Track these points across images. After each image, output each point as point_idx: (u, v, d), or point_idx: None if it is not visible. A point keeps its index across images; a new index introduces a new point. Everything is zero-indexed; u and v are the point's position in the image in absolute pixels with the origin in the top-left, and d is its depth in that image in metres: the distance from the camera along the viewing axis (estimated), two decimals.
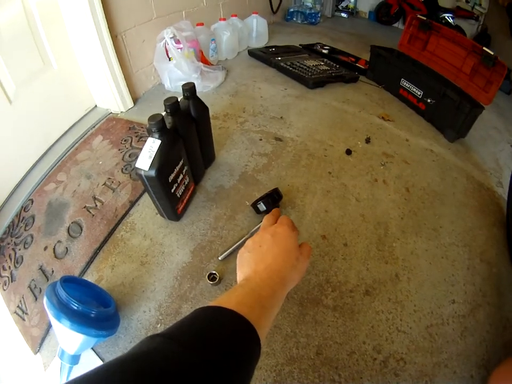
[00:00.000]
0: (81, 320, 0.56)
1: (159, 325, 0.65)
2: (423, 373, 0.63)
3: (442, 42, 1.65)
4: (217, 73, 1.50)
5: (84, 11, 1.06)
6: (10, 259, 0.89)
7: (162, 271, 0.73)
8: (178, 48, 1.37)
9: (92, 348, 0.64)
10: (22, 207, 1.02)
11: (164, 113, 0.73)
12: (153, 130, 0.65)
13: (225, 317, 0.30)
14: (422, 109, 1.38)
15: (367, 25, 2.96)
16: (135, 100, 1.36)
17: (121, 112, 1.31)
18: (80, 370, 0.62)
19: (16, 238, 0.94)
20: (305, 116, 1.22)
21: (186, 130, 0.77)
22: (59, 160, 1.16)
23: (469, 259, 0.83)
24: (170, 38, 1.35)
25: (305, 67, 1.50)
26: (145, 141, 0.69)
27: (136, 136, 1.19)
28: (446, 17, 2.64)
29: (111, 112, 1.34)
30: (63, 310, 0.56)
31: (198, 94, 0.81)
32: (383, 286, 0.73)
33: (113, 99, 1.30)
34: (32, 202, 1.02)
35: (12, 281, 0.84)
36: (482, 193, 1.07)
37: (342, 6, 3.19)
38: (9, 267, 0.87)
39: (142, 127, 1.23)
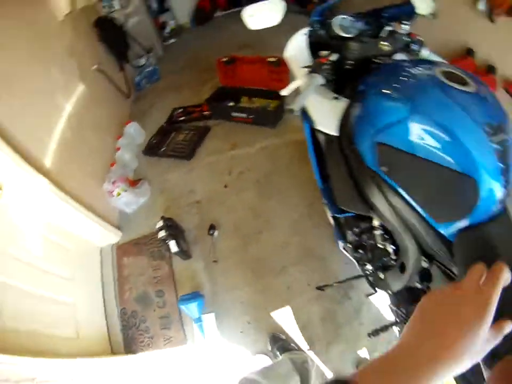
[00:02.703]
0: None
1: None
2: None
3: (245, 66, 2.49)
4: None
5: None
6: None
7: None
8: None
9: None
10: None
11: None
12: None
13: None
14: (250, 122, 2.31)
15: (194, 41, 3.58)
16: (118, 227, 2.15)
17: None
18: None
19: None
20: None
21: None
22: None
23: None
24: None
25: (179, 146, 2.38)
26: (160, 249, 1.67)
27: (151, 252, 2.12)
28: None
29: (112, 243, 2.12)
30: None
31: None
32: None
33: (104, 235, 2.05)
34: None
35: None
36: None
37: (167, 33, 3.76)
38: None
39: (144, 239, 2.11)
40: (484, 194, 0.71)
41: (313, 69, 0.87)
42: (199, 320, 1.61)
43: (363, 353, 1.40)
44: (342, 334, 1.46)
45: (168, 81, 3.12)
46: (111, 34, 2.92)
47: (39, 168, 1.57)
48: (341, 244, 1.51)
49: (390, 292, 1.18)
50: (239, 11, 1.05)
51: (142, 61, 3.36)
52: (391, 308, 1.19)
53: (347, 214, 1.27)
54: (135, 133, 2.69)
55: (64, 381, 1.29)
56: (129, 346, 1.74)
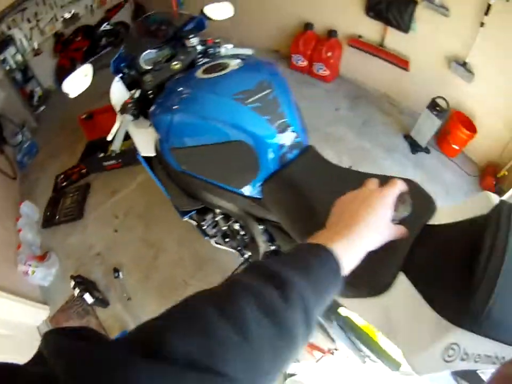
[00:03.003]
0: None
1: None
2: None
3: (102, 117, 2.66)
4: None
5: None
6: None
7: None
8: None
9: None
10: None
11: None
12: None
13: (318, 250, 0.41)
14: (121, 166, 2.52)
15: (62, 103, 3.58)
16: (44, 302, 2.34)
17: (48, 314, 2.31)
18: None
19: None
20: None
21: None
22: None
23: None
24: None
25: (69, 210, 2.54)
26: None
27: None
28: None
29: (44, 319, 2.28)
30: None
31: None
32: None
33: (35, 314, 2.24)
34: None
35: None
36: None
37: (37, 101, 3.76)
38: None
39: (67, 303, 2.32)
40: (262, 148, 0.79)
41: (122, 111, 1.01)
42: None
43: None
44: None
45: (46, 151, 3.22)
46: None
47: None
48: (211, 241, 1.78)
49: None
50: (96, 59, 1.14)
51: (19, 138, 3.38)
52: None
53: (190, 214, 1.50)
54: (30, 211, 2.79)
55: None
56: None
